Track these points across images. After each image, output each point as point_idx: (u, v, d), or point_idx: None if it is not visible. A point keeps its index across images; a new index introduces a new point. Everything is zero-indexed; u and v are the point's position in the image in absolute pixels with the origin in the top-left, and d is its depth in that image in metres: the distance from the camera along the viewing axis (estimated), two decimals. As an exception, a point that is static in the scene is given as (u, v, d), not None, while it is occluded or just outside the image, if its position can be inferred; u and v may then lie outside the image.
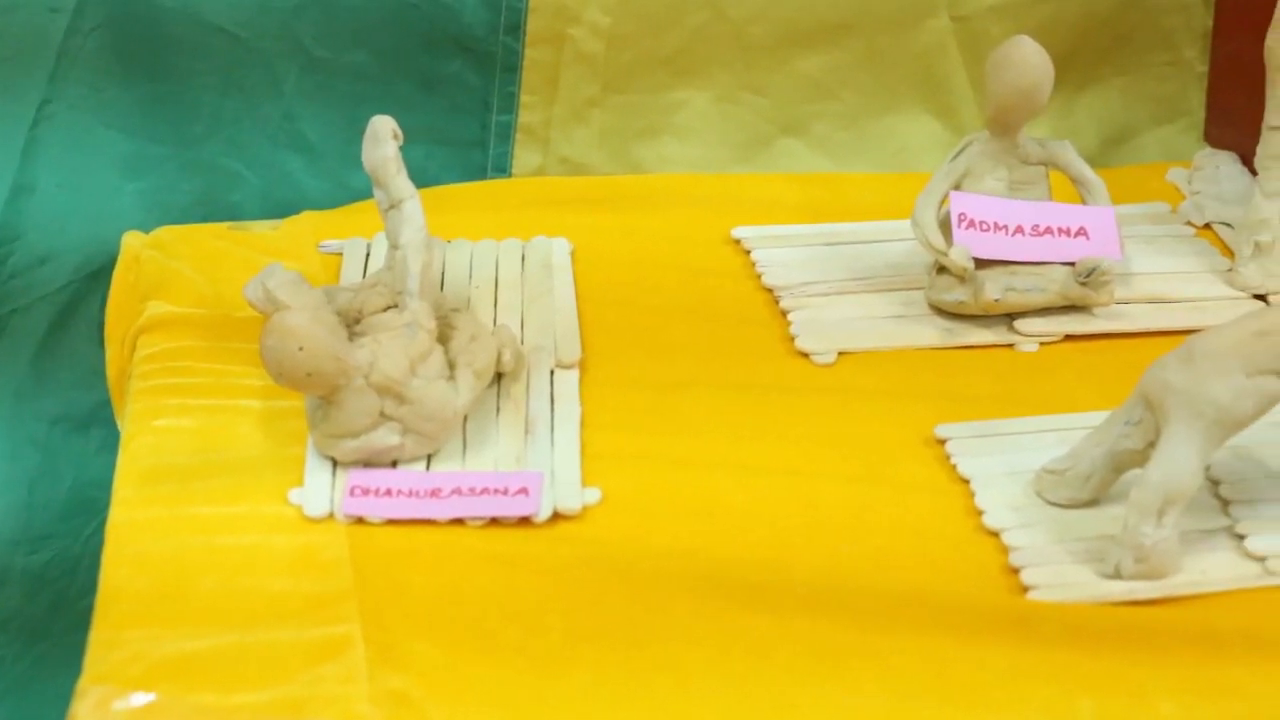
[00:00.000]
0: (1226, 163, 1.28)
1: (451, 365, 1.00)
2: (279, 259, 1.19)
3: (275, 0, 1.22)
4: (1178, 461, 0.91)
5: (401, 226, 1.03)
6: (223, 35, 1.22)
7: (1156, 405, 0.92)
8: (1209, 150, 1.30)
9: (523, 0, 1.24)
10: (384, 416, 0.97)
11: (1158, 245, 1.21)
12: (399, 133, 1.04)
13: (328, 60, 1.24)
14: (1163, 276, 1.17)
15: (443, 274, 1.15)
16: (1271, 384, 0.91)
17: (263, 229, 1.22)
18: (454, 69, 1.26)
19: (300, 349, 0.95)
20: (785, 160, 1.31)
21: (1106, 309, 1.12)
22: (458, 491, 0.96)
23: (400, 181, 1.04)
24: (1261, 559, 0.92)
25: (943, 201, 1.13)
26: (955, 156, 1.13)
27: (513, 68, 1.26)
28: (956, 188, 1.13)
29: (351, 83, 1.24)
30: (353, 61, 1.24)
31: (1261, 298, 1.16)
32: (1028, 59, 1.09)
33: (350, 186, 1.22)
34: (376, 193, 1.05)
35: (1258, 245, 1.17)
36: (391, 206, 1.04)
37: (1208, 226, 1.24)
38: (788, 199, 1.26)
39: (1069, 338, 1.10)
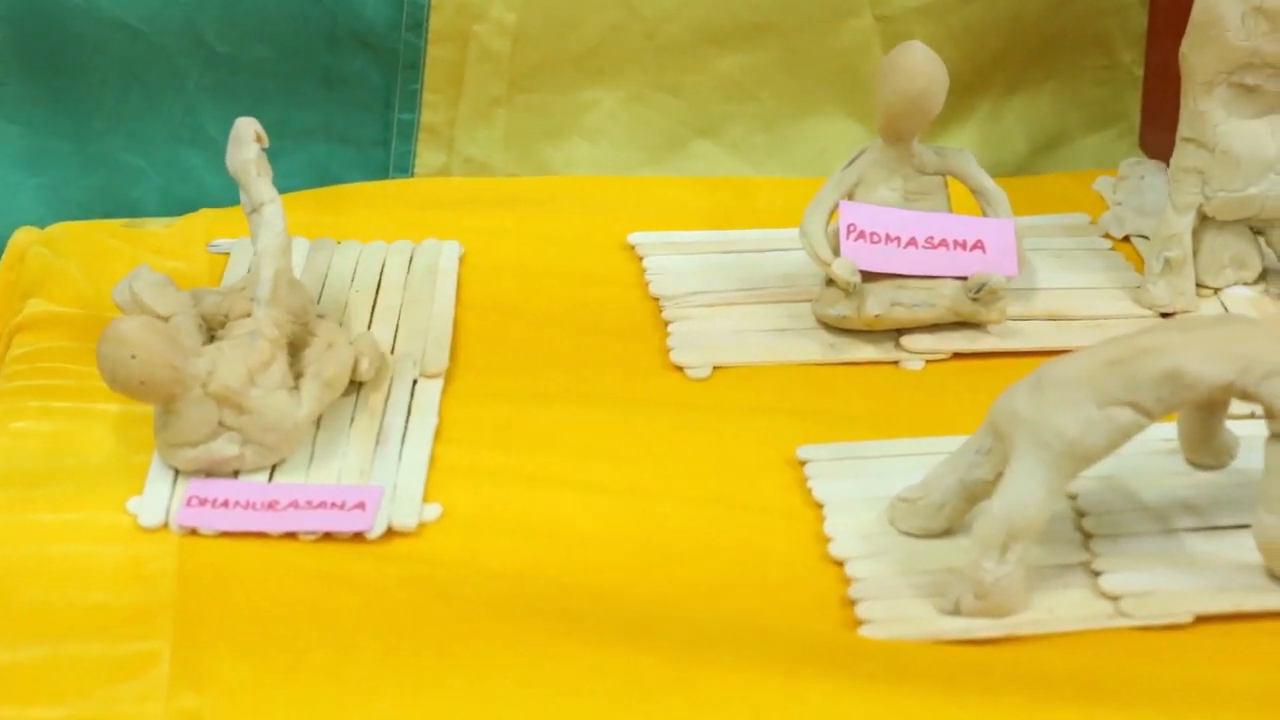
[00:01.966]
0: (1152, 173, 1.24)
1: (302, 374, 1.00)
2: (169, 258, 1.19)
3: (178, -7, 1.24)
4: (1022, 494, 0.87)
5: (260, 231, 1.01)
6: (124, 30, 1.21)
7: (1005, 435, 0.88)
8: (1135, 159, 1.26)
9: (424, -7, 1.25)
10: (223, 426, 0.95)
11: (1069, 259, 1.17)
12: (262, 135, 1.02)
13: (230, 56, 1.22)
14: (1067, 292, 1.13)
15: (324, 279, 1.12)
16: (1124, 415, 0.87)
17: (156, 227, 1.20)
18: (356, 66, 1.24)
19: (133, 357, 0.93)
20: (699, 163, 1.28)
21: (1000, 326, 1.08)
22: (294, 505, 0.94)
23: (261, 185, 1.02)
24: (1115, 598, 0.88)
25: (834, 211, 1.10)
26: (848, 165, 1.09)
27: (415, 65, 1.24)
28: (849, 197, 1.09)
29: (254, 79, 1.23)
30: (255, 57, 1.22)
31: (1169, 316, 1.13)
32: (917, 65, 1.05)
33: (252, 184, 1.22)
34: (241, 195, 1.04)
35: (1168, 261, 1.12)
36: (253, 210, 1.03)
37: (1127, 239, 1.19)
38: (692, 204, 1.23)
39: (957, 355, 1.07)
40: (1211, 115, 1.10)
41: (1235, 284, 1.13)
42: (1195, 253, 1.13)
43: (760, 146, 1.28)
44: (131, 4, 1.20)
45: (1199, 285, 1.13)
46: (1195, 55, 1.10)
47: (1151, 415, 0.88)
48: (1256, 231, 1.14)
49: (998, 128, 1.30)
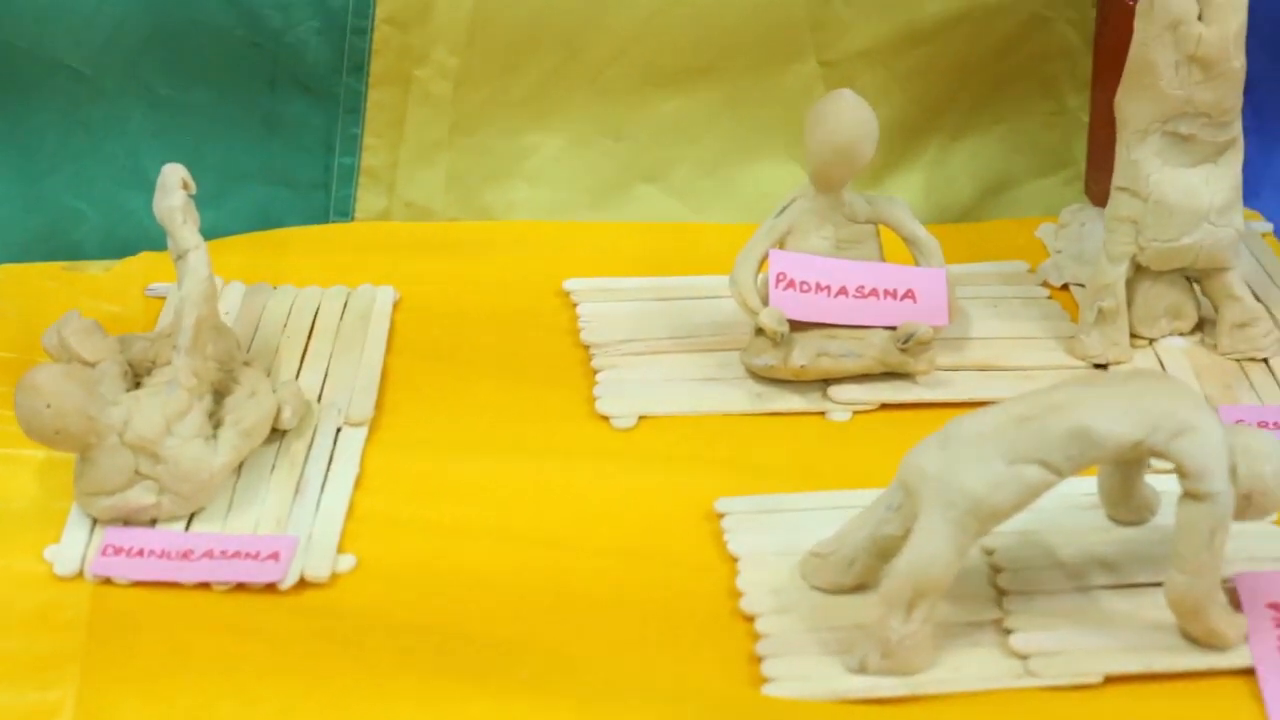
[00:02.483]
0: (1093, 220, 1.23)
1: (222, 422, 1.00)
2: (105, 301, 1.19)
3: (121, 38, 1.21)
4: (929, 552, 0.86)
5: (184, 278, 1.01)
6: (67, 72, 1.22)
7: (913, 491, 0.88)
8: (1076, 206, 1.25)
9: (366, 40, 1.23)
10: (139, 475, 0.95)
11: (1005, 308, 1.16)
12: (189, 182, 1.02)
13: (172, 99, 1.23)
14: (1000, 342, 1.12)
15: (257, 325, 1.11)
16: (1032, 473, 0.87)
17: (96, 270, 1.21)
18: (297, 109, 1.24)
19: (48, 406, 0.93)
20: (642, 207, 1.28)
21: (929, 377, 1.07)
22: (209, 554, 0.94)
23: (186, 232, 1.01)
24: (1024, 657, 0.88)
25: (764, 260, 1.10)
26: (779, 213, 1.09)
27: (356, 109, 1.24)
28: (780, 245, 1.09)
29: (195, 121, 1.23)
30: (197, 100, 1.23)
31: (1102, 367, 1.12)
32: (844, 114, 1.05)
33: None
34: (168, 241, 1.04)
35: (1101, 311, 1.12)
36: (179, 257, 1.03)
37: (1066, 288, 1.19)
38: (631, 249, 1.23)
39: (885, 406, 1.06)
40: (1145, 164, 1.09)
41: (1171, 334, 1.13)
42: (1130, 303, 1.12)
43: (704, 191, 1.28)
44: (74, 46, 1.21)
45: (1134, 336, 1.12)
46: (1129, 104, 1.10)
47: (1061, 473, 0.87)
48: (1193, 281, 1.15)
49: (944, 172, 1.30)
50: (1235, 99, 1.09)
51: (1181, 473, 0.87)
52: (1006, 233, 1.26)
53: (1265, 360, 1.12)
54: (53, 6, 1.19)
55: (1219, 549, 0.87)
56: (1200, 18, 1.07)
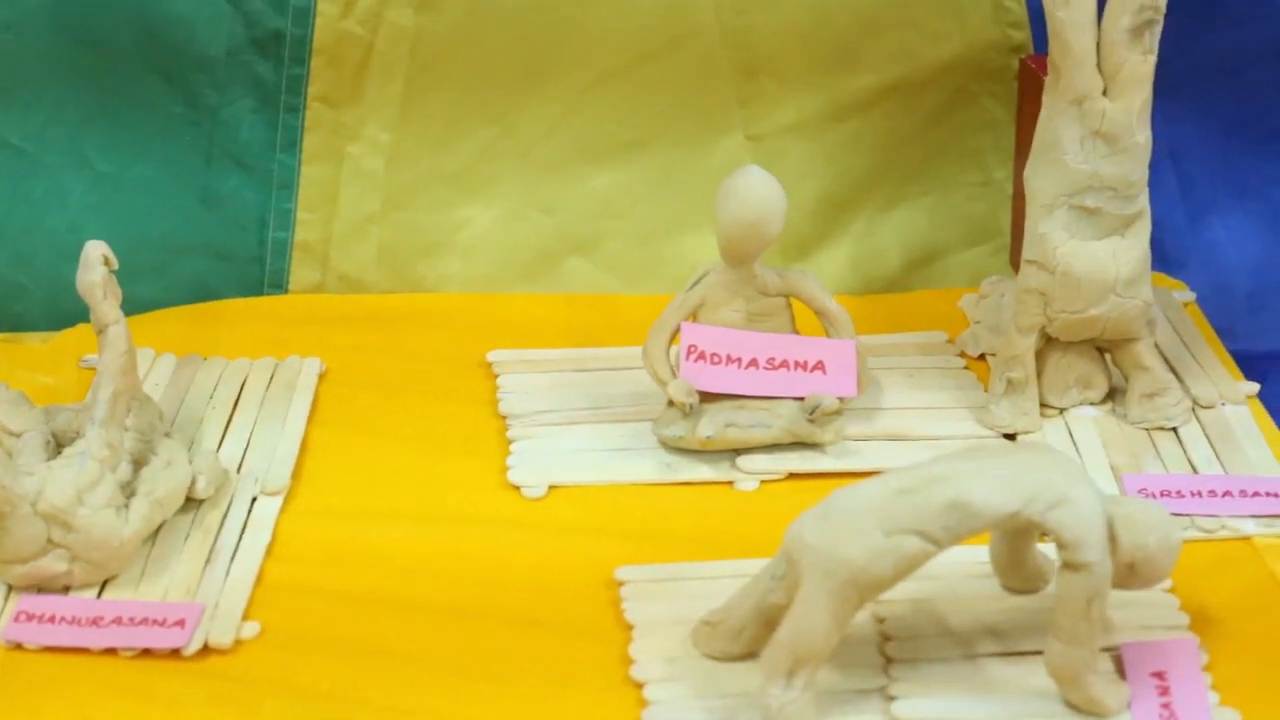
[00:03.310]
0: (1012, 291, 1.24)
1: (135, 492, 1.02)
2: (41, 373, 1.21)
3: (63, 114, 1.25)
4: (807, 622, 0.88)
5: (104, 351, 1.04)
6: (9, 149, 1.25)
7: (795, 561, 0.89)
8: (996, 277, 1.27)
9: (299, 118, 1.26)
10: (52, 544, 0.97)
11: (920, 378, 1.18)
12: (111, 258, 1.05)
13: (112, 174, 1.26)
14: (912, 412, 1.14)
15: (185, 396, 1.14)
16: (911, 544, 0.88)
17: (34, 342, 1.23)
18: (232, 185, 1.27)
19: (-40, 476, 0.97)
20: (573, 280, 1.30)
21: (837, 446, 1.10)
22: (117, 621, 0.96)
23: (106, 307, 1.04)
24: (906, 724, 0.91)
25: (677, 332, 1.12)
26: (691, 286, 1.11)
27: (289, 185, 1.27)
28: (693, 318, 1.11)
29: (135, 197, 1.26)
30: (136, 175, 1.26)
31: (1011, 437, 1.13)
32: (752, 190, 1.07)
33: (133, 299, 1.19)
34: (91, 315, 1.07)
35: (1010, 382, 1.13)
36: (100, 330, 1.05)
37: (983, 358, 1.21)
38: (558, 321, 1.25)
39: (792, 476, 1.08)
40: (1052, 237, 1.11)
41: (1081, 404, 1.15)
42: (1040, 373, 1.14)
43: (634, 263, 1.30)
44: (16, 123, 1.24)
45: (1045, 406, 1.14)
46: (1036, 178, 1.12)
47: (939, 544, 0.89)
48: (1104, 351, 1.17)
49: (872, 244, 1.32)
50: (1140, 173, 1.11)
51: (1058, 543, 0.88)
52: (931, 303, 1.28)
53: (1175, 430, 1.14)
54: (-7, 84, 1.25)
55: (1096, 618, 0.89)
56: (1105, 93, 1.11)
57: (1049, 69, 1.11)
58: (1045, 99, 1.12)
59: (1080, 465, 0.93)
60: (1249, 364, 1.25)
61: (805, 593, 0.89)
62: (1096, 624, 0.89)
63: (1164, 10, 1.09)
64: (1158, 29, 1.10)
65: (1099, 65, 1.09)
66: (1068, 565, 0.88)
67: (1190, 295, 1.30)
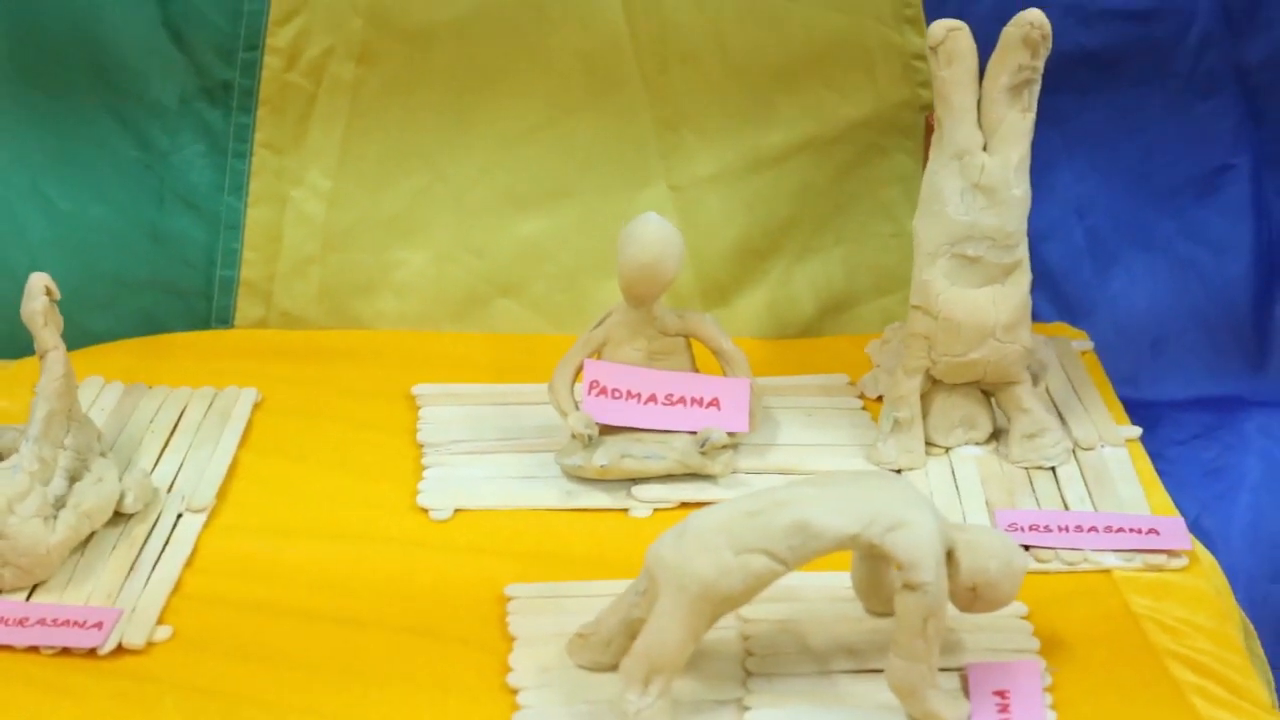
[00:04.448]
0: (912, 336, 1.33)
1: (64, 504, 1.09)
2: (0, 397, 1.30)
3: (25, 157, 1.33)
4: (662, 633, 0.94)
5: (43, 375, 1.12)
6: (-27, 190, 1.36)
7: (654, 577, 0.96)
8: (899, 324, 1.33)
9: (245, 161, 1.34)
10: (-18, 550, 1.07)
11: (818, 416, 1.24)
12: (53, 289, 1.12)
13: (71, 213, 1.33)
14: (805, 448, 1.20)
15: (128, 420, 1.21)
16: (758, 562, 0.95)
17: (-7, 369, 1.34)
18: (182, 225, 1.35)
19: (-101, 486, 1.04)
20: (502, 320, 1.37)
21: (729, 478, 1.16)
22: (41, 622, 1.04)
23: (46, 334, 1.12)
24: (755, 732, 0.97)
25: (580, 369, 1.19)
26: (596, 326, 1.18)
27: (236, 226, 1.35)
28: (597, 355, 1.18)
29: (91, 234, 1.34)
30: (93, 215, 1.34)
31: (897, 473, 1.19)
32: (648, 236, 1.14)
33: (87, 331, 1.30)
34: (35, 341, 1.14)
35: (896, 421, 1.20)
36: (41, 356, 1.13)
37: (880, 399, 1.27)
38: (483, 358, 1.32)
39: (684, 504, 1.14)
40: (935, 284, 1.18)
41: (966, 443, 1.21)
42: (926, 413, 1.21)
43: (560, 305, 1.37)
44: None
45: (931, 444, 1.21)
46: (922, 227, 1.19)
47: (786, 563, 0.95)
48: (988, 393, 1.23)
49: (788, 290, 1.38)
50: (1018, 224, 1.17)
51: (895, 564, 0.95)
52: (841, 348, 1.35)
53: (1054, 469, 1.20)
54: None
55: (932, 635, 0.95)
56: (985, 149, 1.17)
57: (935, 125, 1.18)
58: (931, 153, 1.19)
59: (920, 493, 0.98)
60: (1146, 410, 1.32)
61: (661, 606, 0.95)
62: (933, 642, 0.95)
63: (1041, 70, 1.16)
64: (1036, 88, 1.17)
65: (979, 122, 1.17)
66: (905, 585, 0.95)
67: (1088, 344, 1.35)
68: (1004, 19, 1.16)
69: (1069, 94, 1.35)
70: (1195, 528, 1.17)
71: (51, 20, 1.29)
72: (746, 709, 0.97)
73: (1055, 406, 1.25)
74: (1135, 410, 1.29)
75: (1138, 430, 1.24)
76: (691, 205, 1.36)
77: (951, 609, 0.98)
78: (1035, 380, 1.23)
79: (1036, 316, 1.37)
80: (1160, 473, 1.20)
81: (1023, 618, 1.04)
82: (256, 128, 1.33)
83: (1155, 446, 1.25)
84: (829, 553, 0.96)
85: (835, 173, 1.36)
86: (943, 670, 0.98)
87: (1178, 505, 1.17)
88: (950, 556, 0.97)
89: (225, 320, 1.36)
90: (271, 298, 1.35)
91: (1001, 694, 0.99)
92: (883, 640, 1.01)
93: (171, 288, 1.35)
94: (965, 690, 0.98)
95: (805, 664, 1.00)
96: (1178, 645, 1.03)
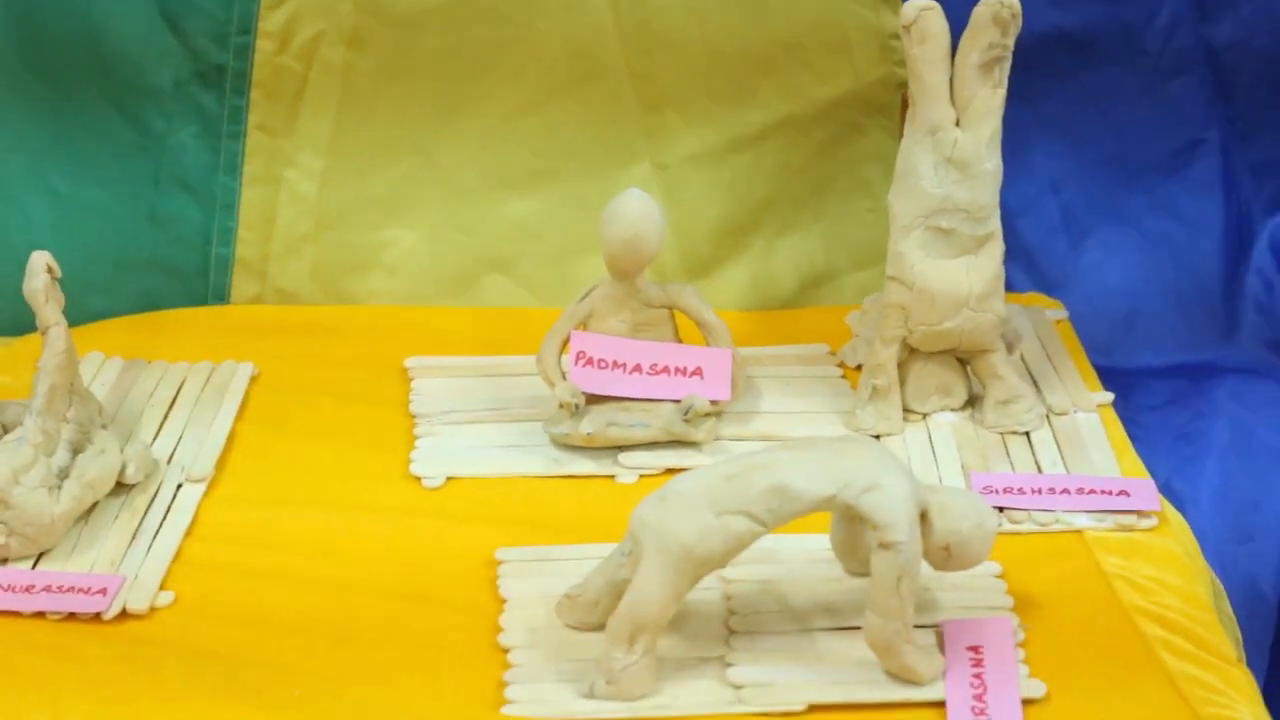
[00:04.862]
0: (890, 308, 1.36)
1: (68, 475, 1.13)
2: (3, 373, 1.32)
3: (26, 142, 1.36)
4: (646, 593, 0.98)
5: (45, 350, 1.15)
6: (-23, 174, 1.40)
7: (638, 540, 1.00)
8: (877, 295, 1.35)
9: (239, 143, 1.37)
10: (-10, 519, 1.10)
11: (797, 385, 1.28)
12: (54, 267, 1.16)
13: (71, 195, 1.37)
14: (786, 416, 1.24)
15: (127, 394, 1.24)
16: (738, 523, 0.98)
17: (-5, 346, 1.37)
18: (179, 205, 1.38)
19: (-91, 458, 1.08)
20: (491, 295, 1.40)
21: (711, 445, 1.20)
22: (47, 589, 1.07)
23: (48, 310, 1.15)
24: (738, 687, 1.00)
25: (568, 340, 1.22)
26: (581, 298, 1.22)
27: (231, 206, 1.38)
28: (583, 327, 1.21)
29: (91, 216, 1.37)
30: (92, 197, 1.38)
31: (876, 439, 1.23)
32: (630, 211, 1.17)
33: (87, 309, 1.33)
34: (36, 318, 1.18)
35: (875, 389, 1.23)
36: (42, 332, 1.16)
37: (859, 368, 1.31)
38: (470, 332, 1.36)
39: (669, 470, 1.17)
40: (910, 256, 1.21)
41: (942, 409, 1.25)
42: (903, 381, 1.24)
43: (547, 281, 1.40)
44: None
45: (908, 410, 1.24)
46: (897, 201, 1.23)
47: (764, 524, 0.99)
48: (964, 361, 1.26)
49: (769, 265, 1.41)
50: (990, 197, 1.21)
51: (870, 524, 0.98)
52: (822, 320, 1.38)
53: (1027, 434, 1.23)
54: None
55: (906, 593, 0.99)
56: (957, 124, 1.21)
57: (909, 102, 1.22)
58: (905, 129, 1.22)
59: (894, 456, 1.02)
60: (1120, 378, 1.35)
61: (644, 567, 0.99)
62: (907, 599, 0.99)
63: (1011, 48, 1.19)
64: (1006, 65, 1.20)
65: (952, 98, 1.20)
66: (880, 545, 0.98)
67: (1063, 314, 1.39)
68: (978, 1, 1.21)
69: (1043, 73, 1.39)
70: (1166, 490, 1.21)
71: (50, 9, 1.33)
72: (729, 665, 1.00)
73: (1029, 373, 1.29)
74: (1109, 378, 1.33)
75: (1110, 396, 1.28)
76: (675, 184, 1.39)
77: (927, 568, 1.02)
78: (1010, 348, 1.27)
79: (1013, 288, 1.43)
80: (1133, 438, 1.24)
81: (997, 576, 1.08)
82: (250, 110, 1.36)
83: (1128, 413, 1.29)
84: (806, 514, 1.00)
85: (814, 151, 1.40)
86: (919, 627, 1.02)
87: (1149, 469, 1.21)
88: (924, 517, 1.00)
89: (221, 298, 1.39)
90: (266, 275, 1.39)
91: (975, 649, 1.02)
92: (860, 599, 1.04)
93: (169, 266, 1.38)
94: (940, 646, 1.03)
95: (785, 622, 1.04)
96: (1146, 602, 1.07)
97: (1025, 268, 1.42)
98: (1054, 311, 1.39)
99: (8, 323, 1.35)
